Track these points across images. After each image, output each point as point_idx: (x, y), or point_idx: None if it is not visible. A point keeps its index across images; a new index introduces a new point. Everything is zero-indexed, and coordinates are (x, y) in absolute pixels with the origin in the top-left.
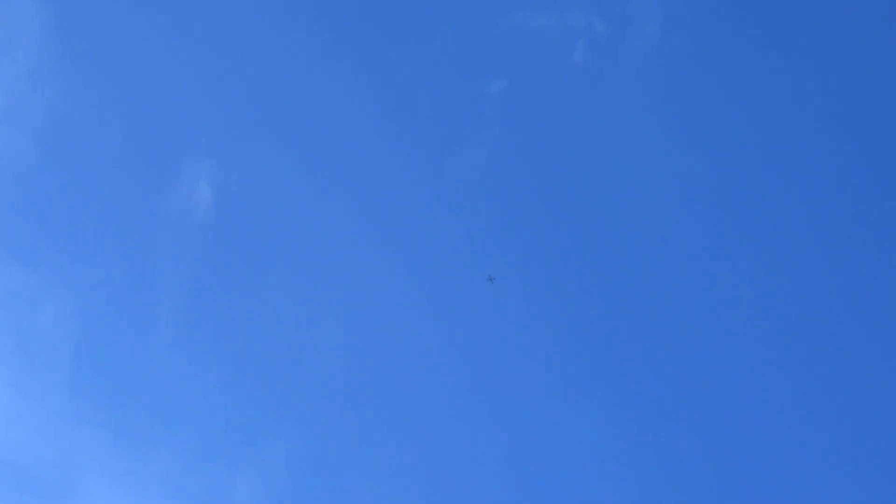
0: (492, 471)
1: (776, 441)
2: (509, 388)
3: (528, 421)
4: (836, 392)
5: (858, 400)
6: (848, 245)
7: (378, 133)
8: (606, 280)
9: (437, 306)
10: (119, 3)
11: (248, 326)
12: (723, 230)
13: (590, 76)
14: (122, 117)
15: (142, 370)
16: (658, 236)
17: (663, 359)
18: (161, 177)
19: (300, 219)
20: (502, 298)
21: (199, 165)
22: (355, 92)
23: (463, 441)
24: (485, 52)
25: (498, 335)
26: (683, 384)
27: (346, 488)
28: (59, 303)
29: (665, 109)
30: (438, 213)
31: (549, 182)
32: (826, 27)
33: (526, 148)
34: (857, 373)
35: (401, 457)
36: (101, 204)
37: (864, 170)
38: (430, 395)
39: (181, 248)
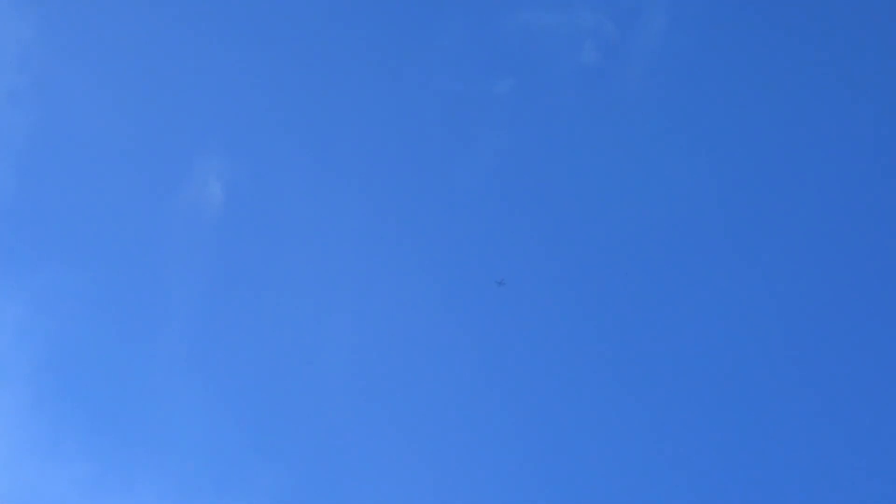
0: (507, 484)
1: (794, 451)
2: (521, 392)
3: (540, 423)
4: (857, 399)
5: (871, 402)
6: (863, 245)
7: (387, 132)
8: (617, 281)
9: (446, 310)
10: (127, 1)
11: (254, 337)
12: (737, 232)
13: (598, 76)
14: (132, 116)
15: (129, 387)
16: (670, 238)
17: (675, 360)
18: (171, 175)
19: (311, 218)
20: (512, 299)
21: (210, 164)
22: (363, 91)
23: (474, 467)
24: (492, 52)
25: (508, 337)
26: (697, 386)
27: None
28: (29, 310)
29: (675, 109)
30: (449, 213)
31: (558, 183)
32: (837, 23)
33: (534, 148)
34: (870, 376)
35: (406, 487)
36: (104, 204)
37: (879, 167)
38: (437, 414)
39: (190, 249)
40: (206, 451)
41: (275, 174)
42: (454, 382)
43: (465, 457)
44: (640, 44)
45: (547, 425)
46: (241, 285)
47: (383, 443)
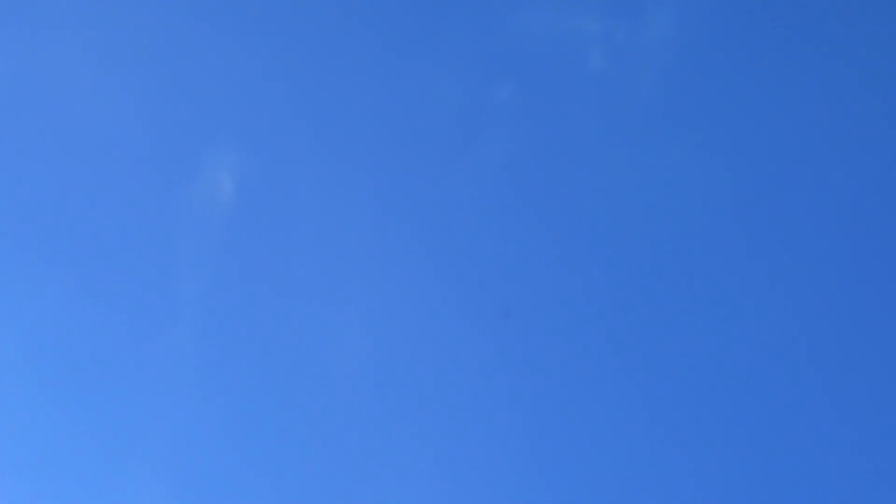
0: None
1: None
2: (537, 395)
3: (556, 429)
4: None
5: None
6: (889, 252)
7: (399, 130)
8: (630, 297)
9: (459, 310)
10: None
11: (264, 334)
12: (761, 247)
13: (607, 84)
14: (140, 109)
15: (137, 384)
16: (687, 252)
17: (703, 385)
18: (181, 170)
19: (321, 215)
20: (520, 309)
21: (220, 159)
22: (374, 89)
23: (486, 474)
24: (493, 56)
25: (519, 344)
26: (723, 410)
27: None
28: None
29: (688, 116)
30: (462, 214)
31: (567, 190)
32: (852, 26)
33: (541, 156)
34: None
35: (416, 492)
36: (112, 199)
37: None
38: (452, 417)
39: (199, 244)
40: (213, 453)
41: (285, 171)
42: (468, 385)
43: (477, 463)
44: (650, 48)
45: (563, 431)
46: (252, 282)
47: (399, 447)
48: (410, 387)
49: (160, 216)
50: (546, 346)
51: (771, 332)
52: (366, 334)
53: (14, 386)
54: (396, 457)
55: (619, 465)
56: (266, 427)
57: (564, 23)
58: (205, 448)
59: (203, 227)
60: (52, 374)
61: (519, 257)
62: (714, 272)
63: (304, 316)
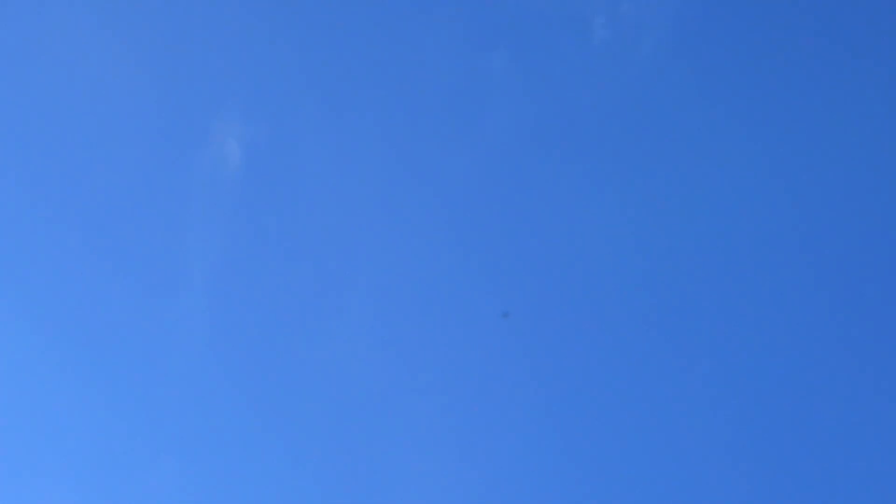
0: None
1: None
2: (546, 391)
3: (551, 428)
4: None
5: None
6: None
7: (400, 102)
8: (633, 289)
9: (468, 299)
10: None
11: (272, 304)
12: (772, 237)
13: (609, 55)
14: (147, 77)
15: (144, 352)
16: (695, 242)
17: (701, 387)
18: (189, 138)
19: (329, 182)
20: (516, 304)
21: (229, 127)
22: (382, 57)
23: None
24: (495, 25)
25: (520, 335)
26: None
27: None
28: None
29: (698, 94)
30: (459, 196)
31: (567, 174)
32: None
33: (541, 131)
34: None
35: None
36: (119, 166)
37: None
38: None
39: (207, 213)
40: (219, 430)
41: (291, 138)
42: (475, 379)
43: (474, 458)
44: (656, 18)
45: (562, 430)
46: (260, 246)
47: (408, 438)
48: (413, 353)
49: (171, 183)
50: (545, 340)
51: (768, 330)
52: (370, 298)
53: (28, 350)
54: (392, 435)
55: (615, 462)
56: (274, 392)
57: None
58: (213, 413)
59: (212, 194)
60: (65, 336)
61: (519, 246)
62: (719, 271)
63: (309, 281)
